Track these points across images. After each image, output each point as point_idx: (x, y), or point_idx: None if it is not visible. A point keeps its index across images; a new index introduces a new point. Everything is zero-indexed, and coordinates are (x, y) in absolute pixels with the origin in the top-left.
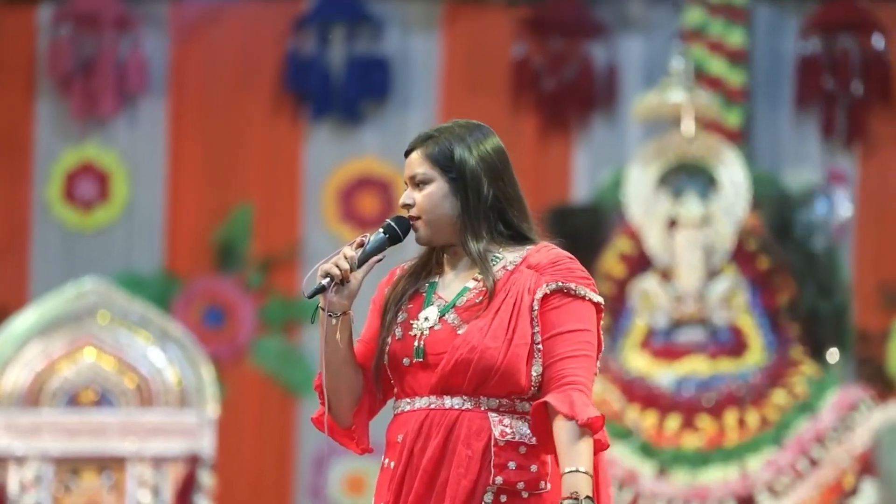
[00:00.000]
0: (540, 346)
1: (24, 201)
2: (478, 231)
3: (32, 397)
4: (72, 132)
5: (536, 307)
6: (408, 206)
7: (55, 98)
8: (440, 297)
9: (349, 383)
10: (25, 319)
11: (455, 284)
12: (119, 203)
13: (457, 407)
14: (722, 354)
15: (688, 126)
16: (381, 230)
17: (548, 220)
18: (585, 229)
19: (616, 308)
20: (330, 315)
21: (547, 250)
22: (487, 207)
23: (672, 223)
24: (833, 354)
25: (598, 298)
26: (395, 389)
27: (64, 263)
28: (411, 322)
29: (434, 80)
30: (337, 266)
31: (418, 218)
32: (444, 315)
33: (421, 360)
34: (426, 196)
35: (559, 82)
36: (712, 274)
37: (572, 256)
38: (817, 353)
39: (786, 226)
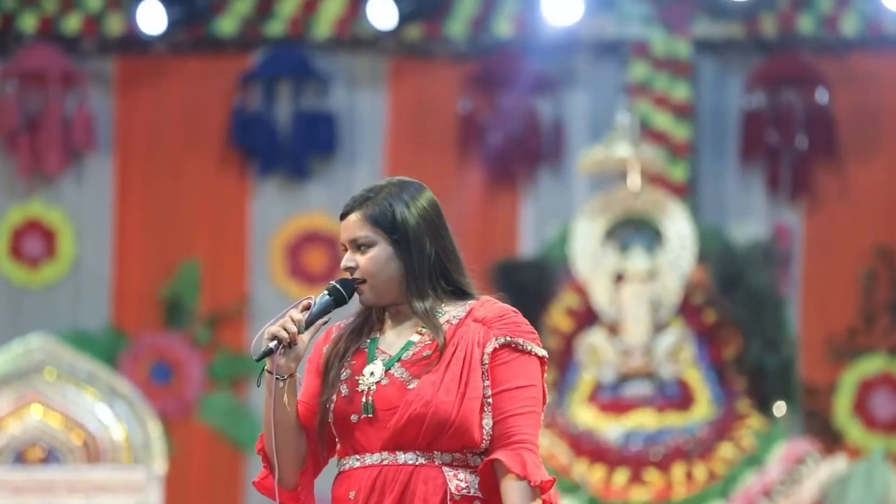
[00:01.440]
0: (490, 399)
1: None
2: (423, 290)
3: None
4: (18, 189)
5: (486, 361)
6: (351, 269)
7: (1, 155)
8: (383, 352)
9: (295, 445)
10: None
11: (398, 339)
12: (66, 260)
13: (410, 462)
14: (669, 408)
15: (634, 180)
16: (326, 292)
17: (495, 274)
18: (532, 283)
19: (563, 362)
20: (277, 378)
21: (491, 304)
22: (430, 265)
23: (618, 277)
24: (780, 408)
25: (543, 352)
26: (340, 447)
27: (10, 320)
28: (356, 378)
29: (381, 134)
30: (284, 329)
31: (363, 281)
32: (389, 369)
33: (370, 415)
34: (371, 259)
35: (505, 137)
36: (659, 328)
37: (516, 310)
38: (764, 407)
39: (732, 279)
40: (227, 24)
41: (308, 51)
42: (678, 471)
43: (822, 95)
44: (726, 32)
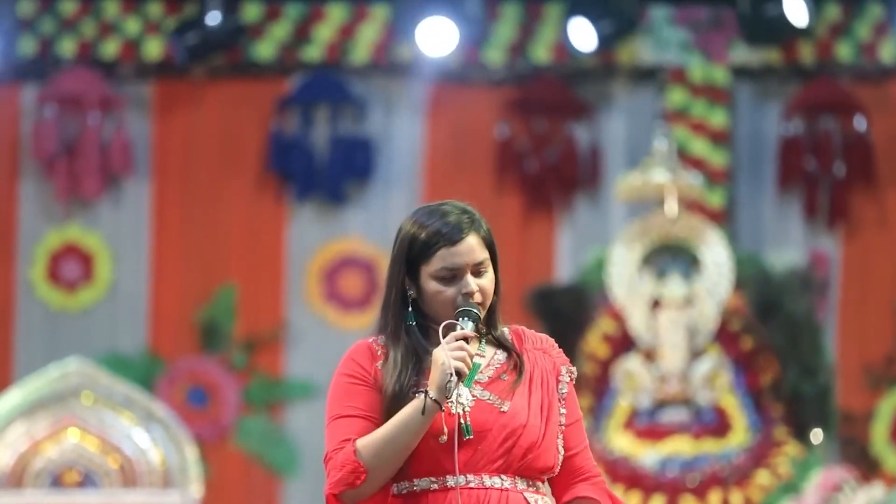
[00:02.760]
0: (563, 427)
1: (7, 282)
2: (499, 317)
3: (16, 478)
4: (56, 213)
5: (565, 391)
6: (474, 294)
7: (39, 179)
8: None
9: (400, 465)
10: (9, 400)
11: None
12: (103, 284)
13: (496, 486)
14: (706, 435)
15: (671, 206)
16: (467, 319)
17: (531, 300)
18: (569, 309)
19: (600, 388)
20: (441, 408)
21: (534, 333)
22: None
23: (655, 303)
24: (817, 435)
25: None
26: (410, 468)
27: (48, 344)
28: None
29: (417, 160)
30: (465, 364)
31: (480, 304)
32: (469, 389)
33: (471, 437)
34: (491, 283)
35: (543, 163)
36: (696, 354)
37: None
38: (801, 434)
39: (769, 306)
40: (264, 49)
41: (345, 76)
42: (714, 498)
43: (859, 123)
44: (764, 59)
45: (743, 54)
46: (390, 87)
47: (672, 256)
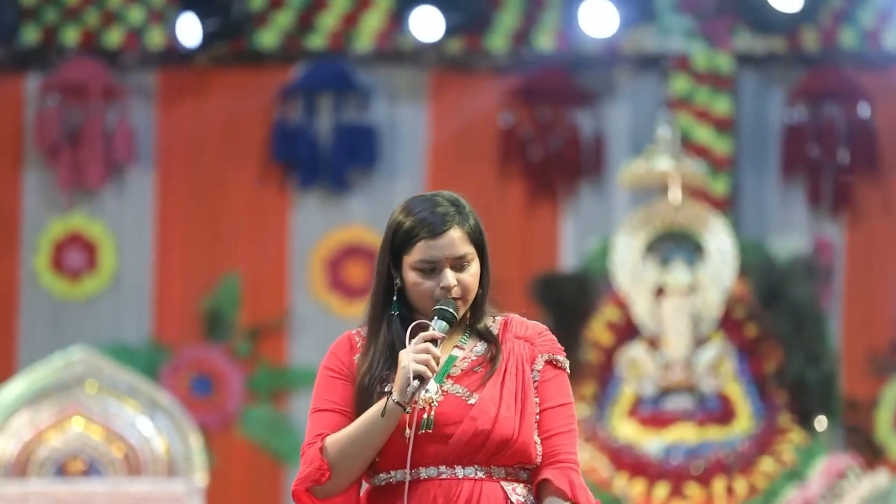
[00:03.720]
0: (537, 416)
1: (11, 271)
2: (484, 308)
3: (20, 467)
4: (59, 202)
5: (537, 378)
6: (452, 288)
7: (42, 168)
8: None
9: (368, 464)
10: (13, 389)
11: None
12: (107, 273)
13: (470, 476)
14: (710, 422)
15: (674, 194)
16: (440, 319)
17: (535, 288)
18: (573, 297)
19: (603, 376)
20: (406, 410)
21: (524, 321)
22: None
23: (659, 291)
24: (821, 422)
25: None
26: (380, 460)
27: (52, 333)
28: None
29: (421, 148)
30: (429, 367)
31: (459, 298)
32: (440, 384)
33: (430, 430)
34: (474, 277)
35: (546, 151)
36: (700, 342)
37: (546, 327)
38: (805, 421)
39: (773, 294)
40: (268, 38)
41: (349, 64)
42: (719, 485)
43: (863, 109)
44: (768, 46)
45: (747, 41)
46: (394, 75)
47: (676, 244)
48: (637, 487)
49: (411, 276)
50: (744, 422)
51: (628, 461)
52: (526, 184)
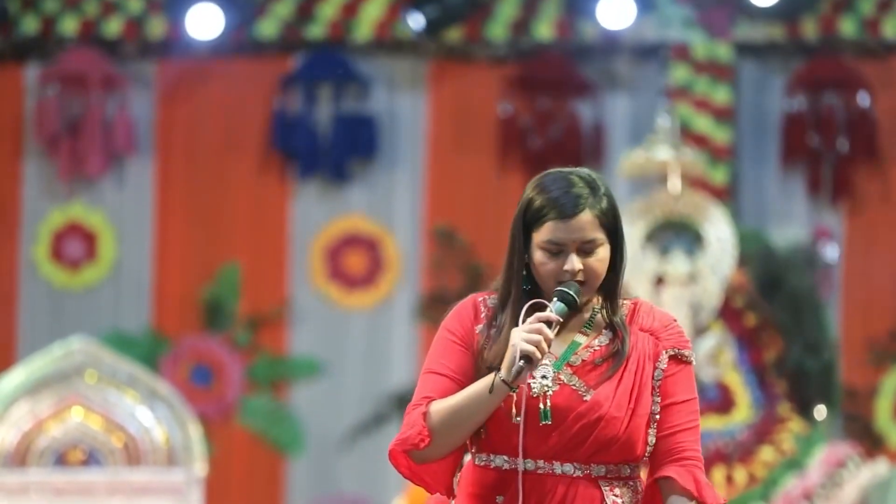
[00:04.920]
0: (657, 415)
1: (11, 261)
2: (618, 297)
3: (19, 457)
4: (59, 192)
5: (660, 376)
6: (578, 272)
7: (42, 158)
8: (547, 352)
9: (467, 438)
10: (12, 379)
11: (561, 338)
12: (106, 262)
13: (569, 474)
14: (709, 411)
15: (674, 183)
16: (559, 301)
17: None
18: None
19: None
20: (512, 390)
21: (653, 311)
22: (625, 269)
23: (659, 280)
24: (820, 411)
25: (694, 360)
26: (484, 440)
27: (51, 323)
28: (528, 381)
29: (421, 137)
30: (539, 350)
31: (583, 283)
32: (558, 372)
33: (549, 422)
34: (600, 262)
35: (546, 140)
36: (699, 331)
37: (675, 317)
38: (805, 410)
39: (772, 283)
40: (267, 28)
41: (348, 54)
42: (718, 474)
43: (863, 98)
44: (767, 35)
45: (746, 30)
46: (393, 65)
47: (675, 233)
48: None
49: (538, 255)
50: (743, 411)
51: None
52: (525, 173)
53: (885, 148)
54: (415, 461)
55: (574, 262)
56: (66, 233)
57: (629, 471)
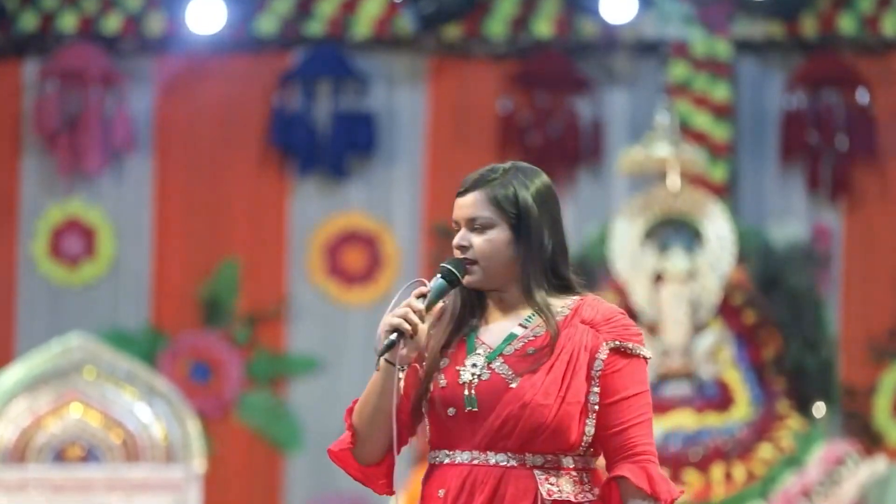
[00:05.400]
0: (596, 406)
1: (9, 257)
2: (540, 282)
3: (18, 453)
4: (57, 188)
5: (599, 367)
6: (463, 248)
7: (41, 154)
8: (483, 343)
9: (390, 427)
10: (11, 375)
11: (498, 329)
12: (105, 259)
13: (502, 464)
14: (708, 409)
15: (673, 180)
16: (439, 276)
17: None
18: None
19: None
20: (398, 368)
21: (598, 304)
22: (547, 257)
23: (658, 278)
24: (819, 409)
25: (649, 353)
26: (431, 437)
27: (50, 319)
28: (458, 369)
29: (420, 134)
30: (406, 320)
31: (474, 262)
32: (491, 362)
33: (475, 409)
34: (488, 241)
35: (545, 137)
36: (698, 328)
37: (623, 311)
38: (804, 408)
39: (771, 280)
40: (266, 24)
41: (347, 50)
42: (717, 471)
43: (862, 96)
44: (766, 32)
45: (745, 27)
46: (392, 61)
47: (674, 230)
48: None
49: None
50: (742, 408)
51: None
52: None
53: (884, 145)
54: (358, 460)
55: (459, 237)
56: (64, 229)
57: (571, 462)
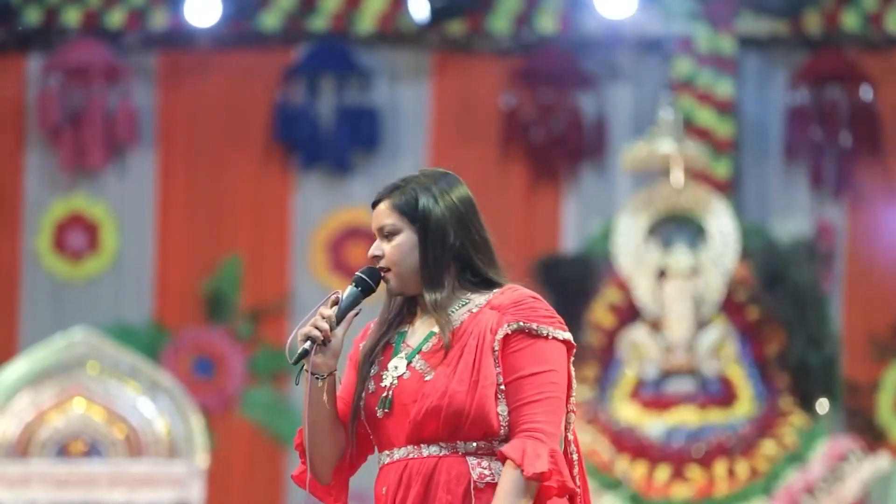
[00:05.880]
0: (503, 387)
1: (13, 252)
2: (437, 281)
3: (21, 448)
4: (61, 183)
5: (497, 348)
6: (377, 258)
7: (44, 149)
8: (408, 346)
9: (333, 442)
10: (15, 370)
11: (422, 330)
12: (108, 254)
13: (434, 454)
14: (711, 405)
15: (677, 176)
16: (352, 284)
17: (537, 270)
18: (575, 280)
19: (605, 358)
20: (316, 377)
21: (511, 291)
22: (452, 257)
23: (661, 274)
24: (822, 405)
25: (565, 335)
26: (375, 442)
27: (53, 314)
28: (381, 374)
29: (423, 129)
30: (316, 327)
31: (388, 269)
32: (411, 362)
33: (387, 410)
34: (395, 247)
35: (548, 132)
36: (701, 324)
37: (536, 296)
38: (807, 404)
39: (775, 276)
40: (270, 19)
41: (351, 46)
42: (720, 468)
43: (866, 92)
44: (770, 29)
45: (749, 24)
46: (396, 56)
47: (678, 226)
48: (638, 470)
49: None
50: (745, 404)
51: (630, 444)
52: (528, 166)
53: (887, 141)
54: (321, 482)
55: (373, 247)
56: (67, 224)
57: (499, 446)
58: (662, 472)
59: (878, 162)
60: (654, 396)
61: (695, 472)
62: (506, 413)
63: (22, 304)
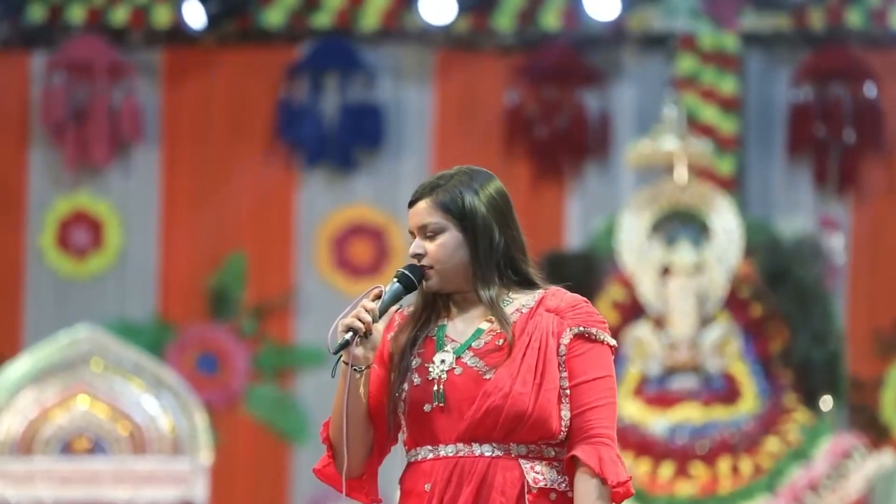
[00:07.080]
0: (568, 391)
1: (17, 249)
2: (489, 278)
3: (25, 445)
4: (65, 180)
5: (563, 352)
6: (419, 256)
7: (48, 146)
8: (453, 340)
9: (364, 434)
10: (19, 367)
11: (466, 327)
12: (112, 251)
13: (487, 454)
14: (715, 402)
15: (680, 174)
16: (395, 280)
17: (541, 267)
18: (578, 277)
19: None
20: (355, 369)
21: (562, 294)
22: (499, 254)
23: (665, 271)
24: (826, 402)
25: (613, 341)
26: (409, 437)
27: (57, 311)
28: (427, 366)
29: (427, 127)
30: (359, 319)
31: (430, 267)
32: (460, 356)
33: (441, 404)
34: (440, 246)
35: (552, 130)
36: (705, 321)
37: (587, 300)
38: (810, 401)
39: (778, 273)
40: (274, 16)
41: (355, 43)
42: (724, 464)
43: (869, 89)
44: (774, 26)
45: (753, 21)
46: (399, 54)
47: (682, 223)
48: (642, 467)
49: None
50: (749, 401)
51: (634, 441)
52: (531, 163)
53: (891, 138)
54: (353, 475)
55: (413, 245)
56: (72, 221)
57: (554, 453)
58: (666, 469)
59: (881, 158)
60: (657, 393)
61: (698, 469)
62: (568, 417)
63: (26, 301)
